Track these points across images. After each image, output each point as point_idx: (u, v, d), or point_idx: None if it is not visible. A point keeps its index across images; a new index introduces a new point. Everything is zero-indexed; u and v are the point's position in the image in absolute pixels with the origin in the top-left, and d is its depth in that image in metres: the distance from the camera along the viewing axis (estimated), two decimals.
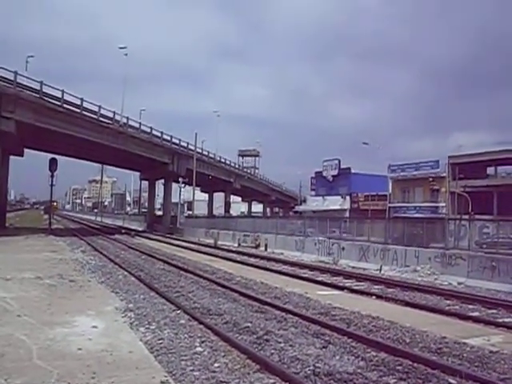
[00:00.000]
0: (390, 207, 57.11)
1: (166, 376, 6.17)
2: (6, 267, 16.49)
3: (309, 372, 6.83)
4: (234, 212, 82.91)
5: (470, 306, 13.30)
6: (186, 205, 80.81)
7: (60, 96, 40.54)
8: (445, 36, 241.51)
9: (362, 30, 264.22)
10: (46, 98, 39.06)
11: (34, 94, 37.88)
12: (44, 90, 38.86)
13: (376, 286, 16.64)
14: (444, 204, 50.55)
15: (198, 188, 72.73)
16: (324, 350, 8.08)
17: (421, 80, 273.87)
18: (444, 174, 51.36)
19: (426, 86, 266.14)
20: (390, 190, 59.33)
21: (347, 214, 59.05)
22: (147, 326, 9.29)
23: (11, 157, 45.08)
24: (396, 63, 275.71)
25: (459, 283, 17.95)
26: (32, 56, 46.83)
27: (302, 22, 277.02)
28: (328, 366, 7.12)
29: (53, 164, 39.46)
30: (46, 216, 57.85)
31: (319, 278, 18.25)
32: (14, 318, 9.12)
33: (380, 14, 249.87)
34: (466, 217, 30.77)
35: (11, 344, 7.27)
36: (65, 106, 40.78)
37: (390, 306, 12.99)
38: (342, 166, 73.49)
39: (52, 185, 39.93)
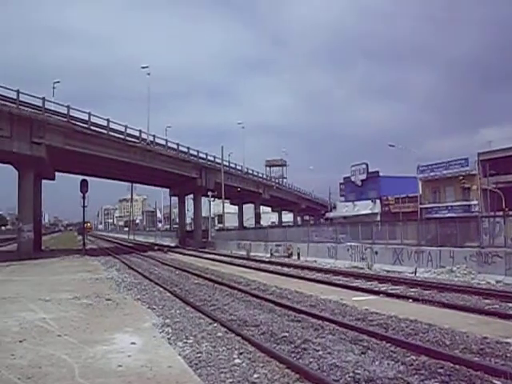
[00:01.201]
0: (421, 208, 56.48)
1: None
2: (45, 289, 16.87)
3: (349, 379, 6.78)
4: (264, 222, 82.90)
5: (510, 305, 12.99)
6: (216, 218, 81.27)
7: (87, 118, 41.21)
8: (467, 31, 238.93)
9: (380, 31, 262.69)
10: (74, 122, 39.77)
11: (61, 119, 38.65)
12: (71, 114, 39.57)
13: (412, 289, 16.43)
14: (476, 202, 49.78)
15: (228, 201, 73.03)
16: (363, 355, 8.01)
17: (444, 78, 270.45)
18: (474, 172, 50.67)
19: (449, 84, 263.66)
20: (420, 191, 58.70)
21: (378, 218, 58.53)
22: (185, 341, 9.33)
23: (43, 181, 45.91)
24: (417, 63, 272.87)
25: (497, 281, 17.58)
26: (58, 82, 47.78)
27: (319, 26, 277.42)
28: (368, 371, 7.06)
29: (84, 185, 40.10)
30: (80, 237, 58.77)
31: (354, 284, 18.13)
32: (54, 337, 9.30)
33: (400, 13, 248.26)
34: (500, 213, 30.18)
35: (53, 363, 7.42)
36: (92, 128, 41.44)
37: (427, 308, 12.81)
38: (370, 170, 72.99)
39: (84, 206, 40.52)
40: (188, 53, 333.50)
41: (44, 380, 6.58)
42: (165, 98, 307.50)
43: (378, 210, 67.45)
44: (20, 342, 8.87)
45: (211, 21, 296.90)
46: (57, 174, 49.09)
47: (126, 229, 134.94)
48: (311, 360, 7.84)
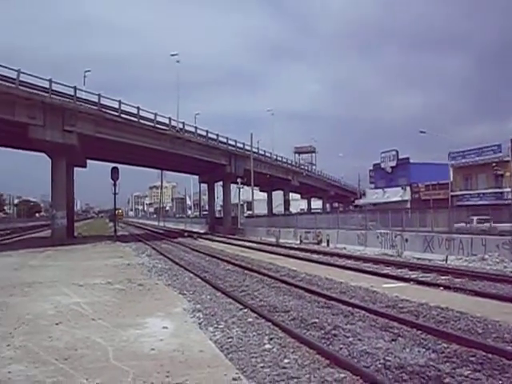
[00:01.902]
0: (452, 196, 55.68)
1: (237, 373, 6.29)
2: (78, 274, 17.24)
3: (379, 365, 6.80)
4: (293, 209, 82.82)
5: None
6: (245, 205, 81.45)
7: (117, 107, 41.65)
8: (495, 15, 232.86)
9: (410, 18, 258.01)
10: (105, 110, 40.25)
11: (92, 107, 39.17)
12: (102, 102, 40.07)
13: (443, 277, 16.25)
14: (509, 189, 48.87)
15: (257, 188, 73.10)
16: (393, 342, 8.00)
17: (477, 64, 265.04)
18: (508, 158, 49.68)
19: (481, 70, 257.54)
20: (452, 178, 57.83)
21: (408, 206, 57.93)
22: (216, 326, 9.46)
23: (75, 168, 46.64)
24: (451, 48, 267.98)
25: None
26: (89, 71, 48.31)
27: (349, 11, 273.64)
28: (398, 358, 7.06)
29: (114, 173, 40.60)
30: (111, 223, 59.62)
31: (384, 271, 18.03)
32: (89, 321, 9.52)
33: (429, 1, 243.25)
34: None
35: (88, 346, 7.61)
36: (122, 115, 41.86)
37: (458, 296, 12.68)
38: (400, 157, 72.16)
39: (115, 193, 41.03)
40: (216, 41, 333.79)
41: (80, 361, 6.76)
42: (193, 86, 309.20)
43: (408, 197, 66.75)
44: (56, 324, 9.12)
45: (239, 9, 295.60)
46: (88, 161, 49.87)
47: (154, 216, 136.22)
48: (341, 346, 7.88)
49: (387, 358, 7.10)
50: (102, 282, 15.16)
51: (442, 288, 14.01)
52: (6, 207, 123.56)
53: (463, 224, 27.63)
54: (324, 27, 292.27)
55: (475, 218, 28.94)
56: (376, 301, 11.94)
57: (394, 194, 67.89)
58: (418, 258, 22.28)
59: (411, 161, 70.60)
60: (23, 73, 33.81)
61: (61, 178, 37.43)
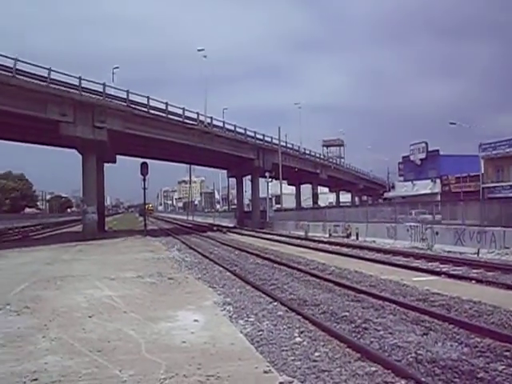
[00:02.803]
0: (483, 188, 54.75)
1: (268, 366, 6.31)
2: (110, 268, 17.48)
3: (411, 359, 6.75)
4: (322, 203, 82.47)
5: None
6: (273, 199, 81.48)
7: (146, 102, 42.01)
8: None
9: (440, 5, 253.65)
10: (133, 106, 40.68)
11: (121, 103, 39.63)
12: (130, 98, 40.47)
13: (475, 270, 16.01)
14: None
15: (285, 181, 72.98)
16: (425, 336, 7.93)
17: (506, 54, 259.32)
18: None
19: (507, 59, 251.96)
20: (483, 170, 56.83)
21: (438, 198, 57.17)
22: (246, 319, 9.51)
23: (105, 164, 47.24)
24: (478, 37, 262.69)
25: None
26: (117, 67, 48.84)
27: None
28: (430, 353, 6.99)
29: (144, 168, 40.94)
30: (141, 218, 60.27)
31: (414, 264, 17.83)
32: (121, 314, 9.66)
33: None
34: None
35: (121, 338, 7.73)
36: (151, 111, 42.23)
37: (491, 290, 12.48)
38: (429, 149, 71.20)
39: (144, 188, 41.44)
40: (242, 35, 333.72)
41: (113, 353, 6.88)
42: (220, 81, 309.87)
43: (437, 189, 65.92)
44: (89, 317, 9.28)
45: (266, 2, 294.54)
46: (118, 157, 50.45)
47: (182, 210, 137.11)
48: (372, 340, 7.84)
49: (419, 351, 7.04)
50: (132, 275, 15.33)
51: (473, 281, 13.81)
52: (38, 203, 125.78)
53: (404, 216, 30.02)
54: (353, 16, 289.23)
55: (414, 211, 31.72)
56: (406, 294, 11.83)
57: (424, 187, 67.08)
58: (449, 251, 21.98)
59: (441, 153, 69.62)
60: (54, 71, 34.37)
61: (91, 173, 38.01)
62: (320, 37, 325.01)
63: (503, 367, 6.34)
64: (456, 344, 7.45)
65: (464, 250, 21.55)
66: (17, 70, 32.32)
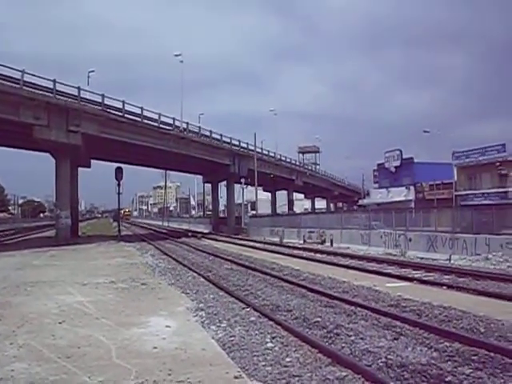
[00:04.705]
0: (456, 195, 55.51)
1: (239, 371, 6.31)
2: (82, 273, 17.28)
3: (381, 364, 6.81)
4: (297, 209, 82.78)
5: None
6: (249, 205, 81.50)
7: (121, 107, 41.67)
8: (500, 15, 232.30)
9: (410, 17, 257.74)
10: (109, 110, 40.28)
11: (96, 107, 39.19)
12: (106, 102, 40.07)
13: (446, 276, 16.25)
14: None
15: (261, 187, 73.03)
16: (395, 341, 8.01)
17: (478, 63, 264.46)
18: None
19: (482, 69, 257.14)
20: (456, 178, 57.65)
21: (412, 205, 57.77)
22: (218, 325, 9.49)
23: (80, 168, 46.75)
24: (455, 48, 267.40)
25: None
26: (93, 71, 48.20)
27: (350, 12, 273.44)
28: (400, 357, 7.07)
29: (119, 173, 40.61)
30: (115, 223, 59.70)
31: (387, 271, 18.01)
32: (92, 320, 9.55)
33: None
34: None
35: (91, 344, 7.65)
36: (126, 116, 41.88)
37: (462, 295, 12.69)
38: (403, 157, 72.00)
39: (119, 193, 41.15)
40: (219, 41, 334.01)
41: (83, 360, 6.80)
42: (197, 87, 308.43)
43: (411, 196, 66.52)
44: (59, 323, 9.16)
45: (242, 10, 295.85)
46: (93, 161, 49.99)
47: (160, 215, 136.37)
48: (343, 345, 7.90)
49: (389, 356, 7.12)
50: (105, 281, 15.20)
51: (445, 287, 14.01)
52: (10, 207, 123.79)
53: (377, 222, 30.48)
54: (329, 28, 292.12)
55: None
56: (379, 300, 11.94)
57: (398, 194, 67.66)
58: (422, 258, 22.27)
59: (415, 160, 70.42)
60: (27, 73, 33.81)
61: (65, 178, 37.51)
62: (298, 46, 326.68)
63: (470, 371, 6.44)
64: (426, 349, 7.55)
65: (436, 257, 21.85)
66: None
